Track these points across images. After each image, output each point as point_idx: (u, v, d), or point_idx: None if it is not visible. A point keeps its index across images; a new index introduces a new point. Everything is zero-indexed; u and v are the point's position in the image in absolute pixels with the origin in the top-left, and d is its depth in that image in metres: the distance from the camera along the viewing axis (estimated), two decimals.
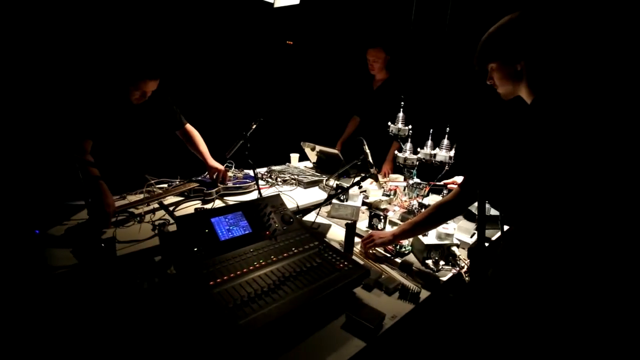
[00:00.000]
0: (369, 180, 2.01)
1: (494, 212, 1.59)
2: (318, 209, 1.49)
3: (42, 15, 2.12)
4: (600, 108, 0.96)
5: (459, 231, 1.46)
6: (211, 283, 0.92)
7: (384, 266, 1.26)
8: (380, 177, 2.19)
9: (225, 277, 0.95)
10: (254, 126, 1.79)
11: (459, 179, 1.78)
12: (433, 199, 1.81)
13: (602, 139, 0.93)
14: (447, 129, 1.56)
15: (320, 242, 1.19)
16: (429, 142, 1.66)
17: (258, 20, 3.28)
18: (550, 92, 1.00)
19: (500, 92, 1.12)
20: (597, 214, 0.93)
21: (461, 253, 1.33)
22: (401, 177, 2.07)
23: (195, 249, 1.02)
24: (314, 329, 0.93)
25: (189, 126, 1.98)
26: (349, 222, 1.28)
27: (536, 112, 1.00)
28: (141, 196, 1.69)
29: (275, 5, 2.25)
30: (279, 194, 1.37)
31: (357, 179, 1.54)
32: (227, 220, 1.15)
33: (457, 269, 1.25)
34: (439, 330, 1.25)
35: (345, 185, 1.71)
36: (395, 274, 1.22)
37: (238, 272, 0.98)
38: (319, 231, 1.47)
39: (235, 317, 0.81)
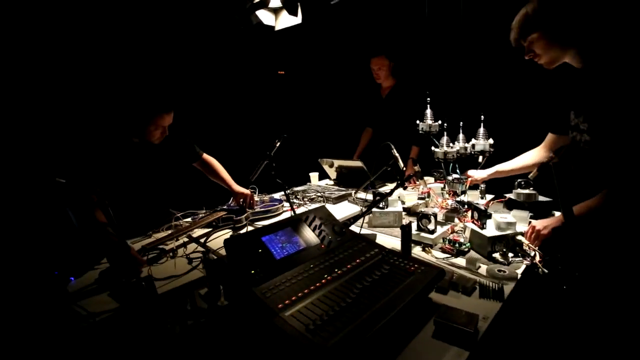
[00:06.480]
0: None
1: (542, 198, 1.51)
2: (362, 219, 1.39)
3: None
4: None
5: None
6: (280, 306, 0.82)
7: (451, 267, 1.16)
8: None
9: (293, 298, 0.85)
10: (278, 144, 1.73)
11: (472, 172, 1.70)
12: (472, 194, 1.73)
13: None
14: (482, 117, 1.51)
15: (380, 248, 1.09)
16: (461, 136, 1.61)
17: (258, 45, 3.32)
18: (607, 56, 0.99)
19: (543, 62, 1.10)
20: None
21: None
22: (431, 179, 2.00)
23: (253, 271, 0.92)
24: (404, 341, 0.82)
25: (206, 156, 1.91)
26: (404, 224, 1.19)
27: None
28: (168, 232, 1.59)
29: (277, 28, 2.26)
30: (324, 206, 1.28)
31: (398, 182, 1.46)
32: (278, 237, 1.06)
33: (529, 259, 1.15)
34: (537, 328, 1.13)
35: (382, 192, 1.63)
36: (463, 272, 1.12)
37: (305, 291, 0.88)
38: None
39: (320, 338, 0.70)
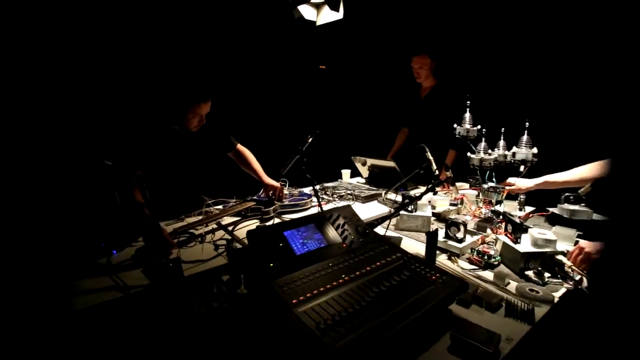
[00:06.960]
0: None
1: (597, 217, 1.38)
2: (388, 221, 1.37)
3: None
4: None
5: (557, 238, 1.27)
6: (294, 301, 0.83)
7: (476, 279, 1.10)
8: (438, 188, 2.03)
9: (308, 295, 0.85)
10: (310, 139, 1.74)
11: (515, 180, 1.58)
12: (509, 205, 1.62)
13: None
14: (527, 123, 1.40)
15: (403, 253, 1.06)
16: (501, 142, 1.51)
17: (299, 39, 3.34)
18: None
19: None
20: None
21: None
22: (466, 185, 1.91)
23: (272, 265, 0.94)
24: (417, 352, 0.79)
25: (240, 146, 1.97)
26: (430, 231, 1.15)
27: None
28: (199, 217, 1.66)
29: (318, 24, 2.25)
30: (349, 205, 1.27)
31: (429, 186, 1.41)
32: (300, 233, 1.07)
33: (571, 282, 1.05)
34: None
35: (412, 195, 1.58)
36: (489, 286, 1.06)
37: (322, 289, 0.88)
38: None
39: (329, 338, 0.70)
